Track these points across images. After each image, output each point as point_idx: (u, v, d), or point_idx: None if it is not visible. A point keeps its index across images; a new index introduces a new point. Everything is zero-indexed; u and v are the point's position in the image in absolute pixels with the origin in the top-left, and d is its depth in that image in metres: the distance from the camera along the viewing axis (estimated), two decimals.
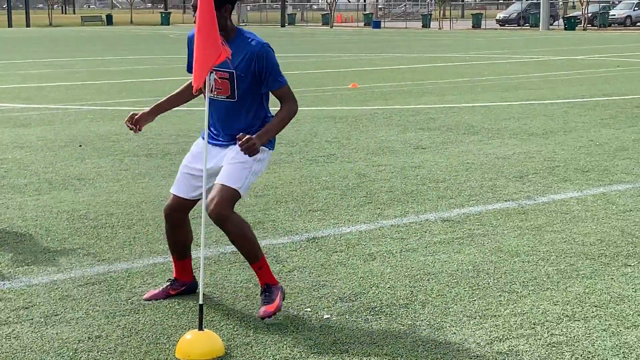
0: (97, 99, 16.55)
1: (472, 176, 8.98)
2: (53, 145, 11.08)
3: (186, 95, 5.39)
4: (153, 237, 6.67)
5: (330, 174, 9.12)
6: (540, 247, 6.38)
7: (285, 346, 4.55)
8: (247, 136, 4.78)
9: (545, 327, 4.78)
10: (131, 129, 5.33)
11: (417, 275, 5.73)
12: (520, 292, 5.39)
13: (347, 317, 4.97)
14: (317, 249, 6.35)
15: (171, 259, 5.44)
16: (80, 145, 11.01)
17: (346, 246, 6.43)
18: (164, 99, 5.47)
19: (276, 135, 5.15)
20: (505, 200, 7.87)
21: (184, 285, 5.36)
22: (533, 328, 4.79)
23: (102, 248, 6.40)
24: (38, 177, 9.07)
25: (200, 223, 4.86)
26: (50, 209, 7.62)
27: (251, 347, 4.55)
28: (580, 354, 4.44)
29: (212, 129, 5.12)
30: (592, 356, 4.41)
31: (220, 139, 5.09)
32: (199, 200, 5.11)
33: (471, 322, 4.88)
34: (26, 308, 5.14)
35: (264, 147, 5.06)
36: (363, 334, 4.71)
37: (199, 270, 5.00)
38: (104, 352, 4.48)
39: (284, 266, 5.93)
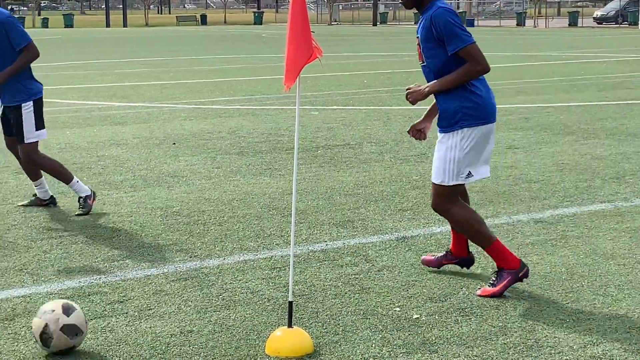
0: (190, 98, 16.81)
1: (567, 177, 8.82)
2: (148, 143, 11.30)
3: None
4: (244, 235, 6.74)
5: (421, 173, 9.07)
6: (637, 250, 6.22)
7: (373, 345, 4.54)
8: (415, 85, 5.21)
9: None
10: (417, 139, 5.59)
11: None
12: (616, 295, 5.26)
13: (436, 317, 4.93)
14: (407, 249, 6.32)
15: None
16: (174, 143, 11.20)
17: (436, 246, 6.38)
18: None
19: (479, 112, 5.13)
20: (601, 202, 7.70)
21: (456, 259, 5.70)
22: (628, 332, 4.67)
23: (195, 244, 6.50)
24: (133, 174, 9.26)
25: (291, 221, 4.88)
26: (145, 205, 7.78)
27: (340, 345, 4.56)
28: None
29: None
30: None
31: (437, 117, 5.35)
32: None
33: (564, 325, 4.79)
34: (121, 302, 5.25)
35: (450, 132, 5.17)
36: (453, 335, 4.67)
37: (289, 267, 5.02)
38: (196, 346, 4.55)
39: (373, 265, 5.92)
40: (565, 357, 4.36)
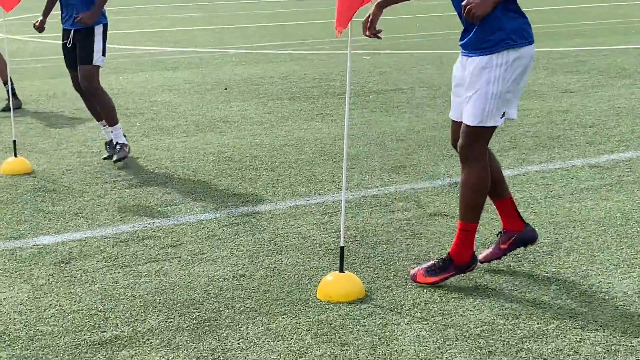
0: (241, 43, 16.78)
1: (623, 121, 8.66)
2: (200, 88, 11.33)
3: None
4: (295, 180, 6.75)
5: None
6: None
7: (425, 290, 4.54)
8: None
9: None
10: (373, 35, 4.62)
11: (562, 222, 5.60)
12: None
13: (489, 263, 4.91)
14: (459, 194, 6.27)
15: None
16: (226, 88, 11.21)
17: None
18: None
19: (527, 30, 4.33)
20: None
21: (512, 237, 4.76)
22: None
23: (246, 189, 6.53)
24: (186, 119, 9.30)
25: (342, 166, 4.87)
26: (197, 150, 7.82)
27: (391, 290, 4.56)
28: None
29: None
30: None
31: (466, 43, 4.46)
32: None
33: (618, 271, 4.74)
34: (174, 246, 5.31)
35: (489, 55, 4.28)
36: (506, 281, 4.65)
37: (341, 213, 5.02)
38: (248, 290, 4.59)
39: (425, 210, 5.90)
40: (619, 303, 4.32)
